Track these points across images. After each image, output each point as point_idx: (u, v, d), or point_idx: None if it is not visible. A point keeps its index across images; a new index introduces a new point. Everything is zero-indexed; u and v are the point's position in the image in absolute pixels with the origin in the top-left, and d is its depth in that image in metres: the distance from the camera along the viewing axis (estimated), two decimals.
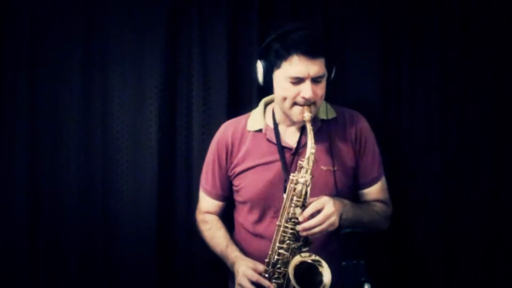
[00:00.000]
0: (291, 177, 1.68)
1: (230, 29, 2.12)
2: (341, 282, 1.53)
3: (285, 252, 1.67)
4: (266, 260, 1.69)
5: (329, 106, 1.83)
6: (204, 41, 2.13)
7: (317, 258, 1.61)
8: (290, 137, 1.82)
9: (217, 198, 1.95)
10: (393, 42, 2.09)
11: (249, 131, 1.87)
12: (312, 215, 1.62)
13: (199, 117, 2.15)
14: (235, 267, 1.74)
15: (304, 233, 1.63)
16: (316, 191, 1.70)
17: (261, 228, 1.82)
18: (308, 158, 1.65)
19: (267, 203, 1.79)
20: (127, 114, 2.16)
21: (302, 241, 1.66)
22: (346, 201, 1.71)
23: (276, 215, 1.72)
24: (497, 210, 2.07)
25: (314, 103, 1.70)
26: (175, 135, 2.17)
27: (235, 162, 1.86)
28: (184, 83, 2.16)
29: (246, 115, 1.93)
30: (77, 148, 2.17)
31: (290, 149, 1.80)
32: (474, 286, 2.07)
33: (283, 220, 1.68)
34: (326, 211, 1.61)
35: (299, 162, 1.68)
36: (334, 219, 1.61)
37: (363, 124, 1.85)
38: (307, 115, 1.68)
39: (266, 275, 1.68)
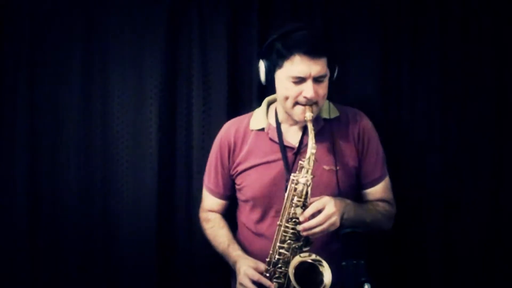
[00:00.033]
0: (291, 177, 1.68)
1: (230, 29, 2.12)
2: (341, 282, 1.53)
3: (286, 252, 1.67)
4: (267, 259, 1.69)
5: (332, 105, 1.83)
6: (204, 41, 2.13)
7: (318, 257, 1.61)
8: (292, 137, 1.82)
9: (220, 196, 1.95)
10: (393, 42, 2.09)
11: (252, 130, 1.87)
12: (313, 215, 1.61)
13: (199, 117, 2.15)
14: (237, 266, 1.74)
15: (305, 233, 1.63)
16: (318, 191, 1.70)
17: (263, 227, 1.82)
18: (309, 158, 1.65)
19: (268, 202, 1.79)
20: (127, 114, 2.16)
21: (302, 241, 1.66)
22: (348, 201, 1.70)
23: (277, 214, 1.72)
24: (497, 210, 2.07)
25: (316, 103, 1.70)
26: (175, 135, 2.17)
27: (237, 161, 1.86)
28: (184, 83, 2.16)
29: (249, 114, 1.93)
30: (77, 148, 2.17)
31: (292, 148, 1.80)
32: (474, 286, 2.07)
33: (284, 220, 1.68)
34: (327, 211, 1.61)
35: (300, 162, 1.68)
36: (335, 219, 1.61)
37: (366, 123, 1.84)
38: (309, 115, 1.68)
39: (267, 275, 1.68)
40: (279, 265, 1.67)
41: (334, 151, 1.77)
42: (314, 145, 1.65)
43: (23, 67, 2.15)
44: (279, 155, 1.80)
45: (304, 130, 1.78)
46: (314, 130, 1.73)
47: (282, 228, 1.68)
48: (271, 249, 1.69)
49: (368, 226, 1.74)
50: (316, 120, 1.76)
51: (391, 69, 2.10)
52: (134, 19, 2.14)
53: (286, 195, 1.68)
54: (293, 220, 1.66)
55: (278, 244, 1.68)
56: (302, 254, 1.63)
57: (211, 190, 1.96)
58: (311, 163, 1.65)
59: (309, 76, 1.66)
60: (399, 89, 2.11)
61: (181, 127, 2.17)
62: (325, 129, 1.80)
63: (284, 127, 1.83)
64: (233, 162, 1.87)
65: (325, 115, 1.81)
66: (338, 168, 1.76)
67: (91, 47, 2.16)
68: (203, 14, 2.13)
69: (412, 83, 2.10)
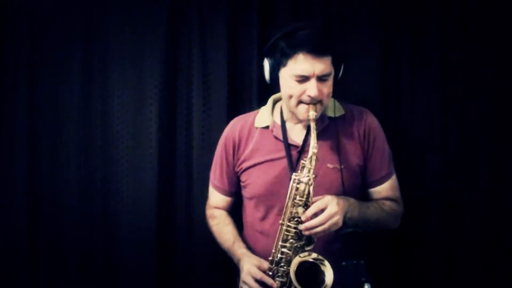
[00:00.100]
0: (293, 176, 1.68)
1: (230, 29, 2.12)
2: (341, 282, 1.53)
3: (288, 251, 1.67)
4: (270, 258, 1.69)
5: (337, 103, 1.82)
6: (204, 41, 2.13)
7: (320, 257, 1.61)
8: (297, 135, 1.81)
9: (225, 193, 1.96)
10: (393, 42, 2.09)
11: (257, 128, 1.87)
12: (316, 214, 1.61)
13: (199, 117, 2.15)
14: (241, 264, 1.74)
15: (307, 232, 1.63)
16: (323, 189, 1.69)
17: (266, 225, 1.81)
18: (311, 157, 1.65)
19: (272, 200, 1.79)
20: (127, 114, 2.17)
21: (305, 240, 1.66)
22: (352, 200, 1.70)
23: (281, 212, 1.71)
24: (497, 210, 2.07)
25: (320, 101, 1.70)
26: (175, 135, 2.17)
27: (242, 158, 1.86)
28: (184, 83, 2.16)
29: (255, 111, 1.93)
30: (77, 148, 2.17)
31: (296, 146, 1.80)
32: (474, 286, 2.07)
33: (286, 219, 1.67)
34: (329, 210, 1.60)
35: (302, 161, 1.68)
36: (337, 218, 1.60)
37: (372, 121, 1.83)
38: (312, 114, 1.68)
39: (270, 273, 1.68)
40: (282, 264, 1.67)
41: (338, 149, 1.76)
42: (316, 144, 1.65)
43: (23, 67, 2.15)
44: (283, 153, 1.80)
45: (309, 128, 1.77)
46: (319, 128, 1.74)
47: (284, 227, 1.68)
48: (274, 248, 1.69)
49: (373, 225, 1.74)
50: (321, 118, 1.76)
51: (391, 69, 2.10)
52: (134, 19, 2.14)
53: (288, 194, 1.68)
54: (295, 219, 1.66)
55: (280, 243, 1.68)
56: (301, 254, 1.63)
57: (217, 187, 1.96)
58: (313, 163, 1.65)
59: (313, 75, 1.66)
60: (399, 89, 2.11)
61: (181, 127, 2.17)
62: (330, 128, 1.80)
63: (289, 125, 1.83)
64: (238, 159, 1.88)
65: (330, 113, 1.81)
66: (342, 166, 1.76)
67: (91, 47, 2.16)
68: (203, 14, 2.13)
69: (412, 83, 2.09)
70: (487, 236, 2.07)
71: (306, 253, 1.63)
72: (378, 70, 2.09)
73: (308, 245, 1.66)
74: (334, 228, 1.61)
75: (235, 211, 1.97)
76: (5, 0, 2.14)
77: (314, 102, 1.69)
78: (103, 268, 2.18)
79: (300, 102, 1.71)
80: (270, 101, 1.90)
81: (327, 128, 1.80)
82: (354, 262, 1.43)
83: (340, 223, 1.62)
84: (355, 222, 1.65)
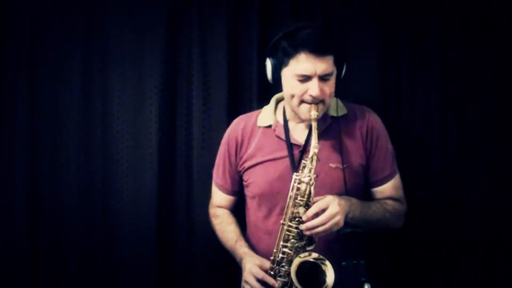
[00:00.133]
0: (294, 176, 1.68)
1: (230, 29, 2.12)
2: (341, 282, 1.53)
3: (289, 251, 1.66)
4: (271, 258, 1.69)
5: (340, 103, 1.82)
6: (204, 41, 2.13)
7: (321, 256, 1.60)
8: (299, 134, 1.81)
9: (228, 192, 1.96)
10: (393, 42, 2.09)
11: (259, 127, 1.87)
12: (317, 214, 1.61)
13: (199, 117, 2.15)
14: (243, 263, 1.74)
15: (308, 232, 1.62)
16: (325, 189, 1.69)
17: (269, 225, 1.81)
18: (312, 157, 1.65)
19: (274, 199, 1.79)
20: (127, 114, 2.17)
21: (306, 240, 1.66)
22: (354, 200, 1.69)
23: (283, 212, 1.71)
24: (497, 210, 2.07)
25: (322, 101, 1.70)
26: (175, 135, 2.17)
27: (244, 157, 1.86)
28: (184, 83, 2.16)
29: (258, 111, 1.93)
30: (77, 148, 2.17)
31: (298, 146, 1.79)
32: (474, 286, 2.07)
33: (287, 219, 1.67)
34: (330, 210, 1.60)
35: (303, 161, 1.68)
36: (338, 218, 1.60)
37: (375, 121, 1.83)
38: (314, 114, 1.68)
39: (272, 273, 1.68)
40: (283, 264, 1.67)
41: (341, 149, 1.76)
42: (317, 144, 1.65)
43: (23, 67, 2.15)
44: (285, 152, 1.80)
45: (311, 128, 1.77)
46: (321, 128, 1.74)
47: (286, 227, 1.68)
48: (275, 247, 1.69)
49: (376, 225, 1.73)
50: (323, 118, 1.76)
51: (391, 69, 2.10)
52: (134, 19, 2.14)
53: (289, 194, 1.68)
54: (296, 219, 1.66)
55: (281, 243, 1.68)
56: (302, 255, 1.63)
57: (219, 186, 1.96)
58: (314, 163, 1.65)
59: (315, 74, 1.66)
60: (399, 89, 2.11)
61: (181, 127, 2.17)
62: (332, 127, 1.79)
63: (291, 125, 1.83)
64: (240, 158, 1.88)
65: (332, 113, 1.80)
66: (345, 166, 1.75)
67: (91, 47, 2.16)
68: (203, 14, 2.13)
69: (412, 83, 2.09)
70: (487, 236, 2.07)
71: (307, 253, 1.63)
72: (378, 70, 2.09)
73: (309, 245, 1.65)
74: (335, 228, 1.61)
75: (239, 210, 1.97)
76: (5, 0, 2.14)
77: (316, 101, 1.69)
78: (103, 268, 2.18)
79: (302, 101, 1.71)
80: (273, 100, 1.90)
81: (330, 128, 1.79)
82: (354, 262, 1.43)
83: (342, 223, 1.61)
84: (357, 222, 1.64)
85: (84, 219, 2.18)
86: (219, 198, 1.98)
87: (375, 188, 1.83)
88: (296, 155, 1.79)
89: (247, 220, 1.92)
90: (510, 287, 2.05)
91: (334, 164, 1.76)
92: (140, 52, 2.15)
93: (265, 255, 1.72)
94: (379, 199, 1.82)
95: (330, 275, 1.57)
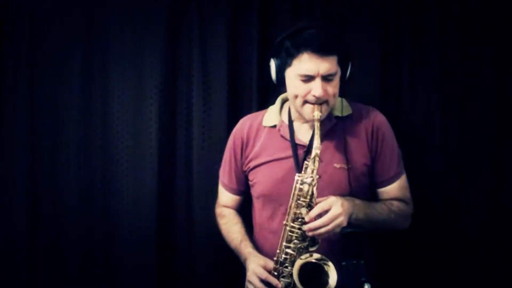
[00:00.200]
0: (296, 177, 1.67)
1: (230, 29, 2.12)
2: (341, 282, 1.53)
3: (292, 252, 1.66)
4: (275, 258, 1.69)
5: (345, 103, 1.82)
6: (204, 41, 2.13)
7: (324, 257, 1.60)
8: (303, 135, 1.81)
9: (234, 192, 1.96)
10: (393, 42, 2.09)
11: (265, 127, 1.87)
12: (320, 215, 1.61)
13: (199, 117, 2.15)
14: (247, 263, 1.75)
15: (310, 233, 1.62)
16: (329, 189, 1.69)
17: (274, 225, 1.80)
18: (314, 158, 1.64)
19: (278, 199, 1.78)
20: (127, 114, 2.17)
21: (308, 241, 1.65)
22: (358, 201, 1.69)
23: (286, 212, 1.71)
24: (497, 210, 2.07)
25: (326, 101, 1.69)
26: (175, 135, 2.17)
27: (250, 156, 1.86)
28: (184, 83, 2.16)
29: (264, 110, 1.93)
30: (77, 148, 2.17)
31: (303, 146, 1.79)
32: (474, 286, 2.07)
33: (290, 220, 1.67)
34: (333, 211, 1.60)
35: (305, 162, 1.68)
36: (341, 219, 1.59)
37: (381, 121, 1.82)
38: (317, 114, 1.67)
39: (276, 273, 1.68)
40: (286, 265, 1.67)
41: (345, 149, 1.76)
42: (319, 145, 1.64)
43: (23, 67, 2.15)
44: (290, 152, 1.79)
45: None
46: (326, 128, 1.74)
47: (288, 228, 1.67)
48: (278, 248, 1.69)
49: (380, 226, 1.73)
50: (328, 118, 1.76)
51: (391, 69, 2.10)
52: (134, 19, 2.14)
53: (291, 195, 1.68)
54: (299, 220, 1.65)
55: (284, 243, 1.67)
56: (303, 256, 1.62)
57: (226, 185, 1.96)
58: (316, 163, 1.64)
59: (318, 74, 1.65)
60: (399, 89, 2.11)
61: (181, 127, 2.17)
62: (337, 127, 1.79)
63: (296, 125, 1.83)
64: (246, 158, 1.88)
65: (337, 113, 1.80)
66: (349, 166, 1.75)
67: (91, 47, 2.16)
68: (203, 14, 2.13)
69: (412, 83, 2.09)
70: (487, 236, 2.07)
71: (308, 255, 1.62)
72: (378, 70, 2.09)
73: (312, 246, 1.65)
74: (338, 229, 1.60)
75: (246, 211, 1.97)
76: (5, 0, 2.14)
77: (320, 102, 1.68)
78: (103, 268, 2.18)
79: (305, 102, 1.70)
80: (278, 100, 1.90)
81: (334, 128, 1.79)
82: (354, 262, 1.43)
83: (345, 224, 1.61)
84: (362, 223, 1.64)
85: (84, 219, 2.18)
86: (225, 198, 1.98)
87: (381, 189, 1.82)
88: (300, 155, 1.78)
89: (253, 220, 1.92)
90: (510, 287, 2.05)
91: (338, 164, 1.75)
92: (140, 52, 2.15)
93: (270, 255, 1.72)
94: (384, 200, 1.81)
95: (332, 276, 1.57)
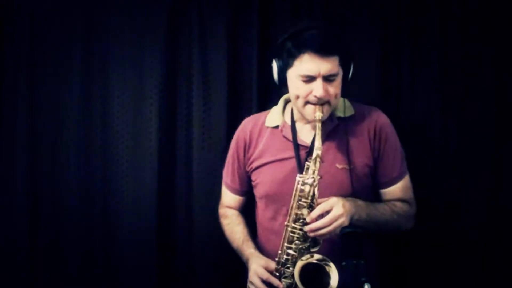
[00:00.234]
0: (297, 178, 1.67)
1: (230, 29, 2.12)
2: (341, 282, 1.53)
3: (293, 252, 1.66)
4: (276, 259, 1.69)
5: (347, 103, 1.81)
6: (204, 41, 2.13)
7: (325, 258, 1.60)
8: (306, 135, 1.81)
9: (237, 192, 1.96)
10: (393, 42, 2.09)
11: (267, 127, 1.87)
12: (322, 216, 1.60)
13: (199, 117, 2.15)
14: (249, 264, 1.75)
15: (312, 234, 1.62)
16: (332, 190, 1.69)
17: (275, 225, 1.80)
18: (315, 159, 1.63)
19: (280, 200, 1.78)
20: (127, 114, 2.17)
21: (310, 242, 1.65)
22: (360, 202, 1.68)
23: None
24: (497, 210, 2.06)
25: (328, 102, 1.69)
26: (175, 135, 2.17)
27: (252, 157, 1.86)
28: (184, 83, 2.16)
29: (268, 111, 1.93)
30: (77, 148, 2.17)
31: (305, 147, 1.79)
32: (474, 286, 2.07)
33: (291, 220, 1.67)
34: (334, 212, 1.59)
35: (306, 163, 1.67)
36: (342, 220, 1.59)
37: (383, 121, 1.81)
38: (318, 115, 1.67)
39: (277, 274, 1.68)
40: (288, 265, 1.67)
41: (347, 150, 1.76)
42: (320, 146, 1.64)
43: (23, 67, 2.15)
44: (292, 153, 1.79)
45: None
46: (328, 129, 1.74)
47: (290, 229, 1.67)
48: (280, 249, 1.68)
49: (383, 227, 1.73)
50: (330, 119, 1.76)
51: (391, 69, 2.10)
52: (134, 19, 2.14)
53: (292, 195, 1.67)
54: (301, 220, 1.65)
55: (285, 244, 1.67)
56: (304, 257, 1.62)
57: (229, 186, 1.97)
58: (317, 164, 1.63)
59: (319, 75, 1.65)
60: (399, 89, 2.10)
61: (181, 127, 2.17)
62: (339, 128, 1.79)
63: (298, 126, 1.83)
64: (248, 158, 1.88)
65: (339, 113, 1.79)
66: (351, 167, 1.74)
67: (91, 47, 2.16)
68: (203, 14, 2.13)
69: (412, 83, 2.09)
70: (487, 236, 2.07)
71: (308, 256, 1.62)
72: (378, 70, 2.09)
73: (313, 247, 1.65)
74: (339, 230, 1.59)
75: (250, 211, 1.97)
76: (5, 0, 2.14)
77: (321, 102, 1.68)
78: (103, 268, 2.18)
79: (307, 102, 1.70)
80: (281, 101, 1.90)
81: (336, 129, 1.79)
82: (354, 262, 1.43)
83: (346, 225, 1.60)
84: (364, 224, 1.64)
85: (84, 219, 2.18)
86: (228, 199, 1.98)
87: (384, 190, 1.81)
88: (303, 156, 1.77)
89: (257, 220, 1.92)
90: (510, 287, 2.05)
91: (340, 165, 1.75)
92: (140, 52, 2.15)
93: (273, 255, 1.72)
94: (387, 201, 1.80)
95: (334, 277, 1.57)
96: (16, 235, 2.16)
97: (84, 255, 2.18)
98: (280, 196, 1.77)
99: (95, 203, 2.18)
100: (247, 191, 1.95)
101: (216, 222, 2.09)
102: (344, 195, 1.67)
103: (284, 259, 1.67)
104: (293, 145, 1.80)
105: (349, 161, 1.75)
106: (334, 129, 1.78)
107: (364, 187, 1.77)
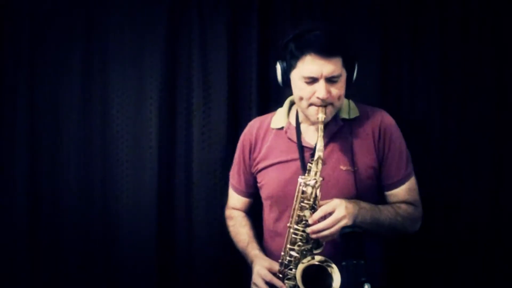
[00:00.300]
0: (299, 179, 1.66)
1: (230, 29, 2.12)
2: (341, 282, 1.53)
3: (296, 254, 1.65)
4: (279, 260, 1.69)
5: (352, 105, 1.81)
6: (204, 41, 2.13)
7: (327, 259, 1.59)
8: (311, 137, 1.80)
9: (243, 194, 1.96)
10: (393, 42, 2.09)
11: (273, 129, 1.87)
12: (325, 217, 1.60)
13: (199, 117, 2.15)
14: (253, 265, 1.75)
15: (314, 236, 1.62)
16: (336, 192, 1.69)
17: (280, 227, 1.80)
18: (317, 160, 1.63)
19: (285, 202, 1.77)
20: (127, 114, 2.16)
21: (312, 244, 1.65)
22: (363, 204, 1.67)
23: None
24: (497, 210, 2.07)
25: (331, 103, 1.69)
26: (175, 135, 2.17)
27: (258, 158, 1.86)
28: (184, 83, 2.16)
29: (273, 112, 1.93)
30: (77, 148, 2.17)
31: (310, 148, 1.77)
32: (474, 286, 2.07)
33: (294, 222, 1.66)
34: (336, 214, 1.59)
35: (308, 164, 1.67)
36: (344, 222, 1.58)
37: (389, 123, 1.80)
38: (321, 116, 1.67)
39: (281, 275, 1.68)
40: (291, 267, 1.67)
41: (351, 152, 1.76)
42: (322, 147, 1.63)
43: (23, 67, 2.15)
44: (296, 154, 1.79)
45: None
46: (332, 130, 1.74)
47: (292, 230, 1.66)
48: (282, 250, 1.68)
49: (387, 229, 1.72)
50: (334, 120, 1.76)
51: (391, 69, 2.10)
52: (134, 19, 2.14)
53: (295, 197, 1.67)
54: (303, 222, 1.65)
55: (288, 246, 1.67)
56: (304, 260, 1.62)
57: (235, 187, 1.97)
58: (319, 166, 1.63)
59: (321, 76, 1.65)
60: (399, 89, 2.11)
61: (181, 127, 2.17)
62: (343, 129, 1.78)
63: (303, 127, 1.82)
64: (254, 160, 1.88)
65: (344, 115, 1.79)
66: (356, 168, 1.74)
67: (91, 47, 2.16)
68: (203, 14, 2.13)
69: (412, 83, 2.09)
70: (487, 236, 2.07)
71: (309, 258, 1.62)
72: (378, 70, 2.09)
73: (316, 249, 1.65)
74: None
75: (257, 213, 1.96)
76: (5, 0, 2.14)
77: (325, 104, 1.67)
78: (103, 268, 2.18)
79: (311, 104, 1.70)
80: (286, 102, 1.90)
81: (341, 130, 1.78)
82: (354, 262, 1.43)
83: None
84: (368, 226, 1.63)
85: (84, 219, 2.18)
86: (235, 200, 1.99)
87: (389, 192, 1.80)
88: (307, 157, 1.76)
89: (263, 222, 1.92)
90: (510, 287, 2.05)
91: (344, 167, 1.74)
92: (140, 52, 2.15)
93: (278, 256, 1.71)
94: (393, 203, 1.79)
95: (336, 278, 1.56)
96: (16, 235, 2.16)
97: (84, 255, 2.18)
98: (285, 198, 1.77)
99: (95, 203, 2.18)
100: (253, 192, 1.95)
101: (216, 222, 2.10)
102: (348, 197, 1.67)
103: (287, 260, 1.67)
104: (298, 146, 1.79)
105: (354, 163, 1.74)
106: (339, 130, 1.78)
107: (368, 189, 1.76)
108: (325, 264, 1.59)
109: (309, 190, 1.64)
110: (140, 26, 2.14)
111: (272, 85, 2.09)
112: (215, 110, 2.14)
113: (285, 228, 1.72)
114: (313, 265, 1.60)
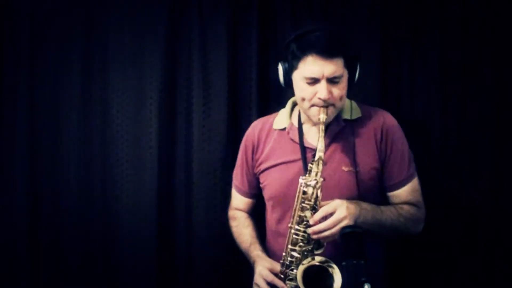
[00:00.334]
0: (300, 180, 1.66)
1: (230, 29, 2.12)
2: (341, 282, 1.53)
3: (298, 255, 1.65)
4: (281, 261, 1.69)
5: (355, 105, 1.81)
6: (204, 41, 2.13)
7: (328, 260, 1.59)
8: (313, 138, 1.79)
9: (245, 195, 1.96)
10: (393, 42, 2.09)
11: (275, 130, 1.87)
12: (326, 218, 1.60)
13: (199, 117, 2.15)
14: (255, 266, 1.75)
15: (315, 236, 1.62)
16: (338, 192, 1.68)
17: (282, 227, 1.80)
18: (318, 161, 1.63)
19: (287, 202, 1.77)
20: (127, 114, 2.16)
21: (313, 244, 1.65)
22: (365, 204, 1.67)
23: None
24: (497, 210, 2.07)
25: (333, 104, 1.69)
26: (175, 135, 2.17)
27: (260, 159, 1.86)
28: (184, 83, 2.16)
29: (276, 113, 1.93)
30: (77, 148, 2.17)
31: (312, 149, 1.77)
32: (474, 286, 2.07)
33: (295, 222, 1.66)
34: (337, 215, 1.59)
35: (309, 165, 1.67)
36: (345, 223, 1.58)
37: (390, 123, 1.80)
38: (322, 117, 1.66)
39: (282, 276, 1.68)
40: (292, 267, 1.66)
41: (354, 152, 1.75)
42: (322, 148, 1.63)
43: (23, 67, 2.15)
44: (298, 155, 1.78)
45: (325, 131, 1.76)
46: (334, 131, 1.74)
47: (293, 231, 1.66)
48: (284, 251, 1.68)
49: (389, 230, 1.72)
50: (336, 121, 1.76)
51: (391, 69, 2.10)
52: (134, 19, 2.14)
53: (296, 197, 1.67)
54: (304, 223, 1.65)
55: (290, 246, 1.67)
56: (305, 261, 1.61)
57: (238, 188, 1.97)
58: (320, 166, 1.62)
59: (322, 77, 1.65)
60: (399, 89, 2.11)
61: (181, 127, 2.17)
62: (345, 130, 1.78)
63: (305, 128, 1.82)
64: (256, 161, 1.88)
65: (346, 115, 1.79)
66: (358, 169, 1.74)
67: (91, 47, 2.16)
68: (203, 14, 2.13)
69: (412, 83, 2.09)
70: (487, 236, 2.07)
71: (310, 259, 1.62)
72: (378, 70, 2.09)
73: (317, 249, 1.64)
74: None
75: (260, 214, 1.96)
76: (5, 0, 2.14)
77: (326, 104, 1.67)
78: (103, 268, 2.18)
79: (312, 104, 1.70)
80: (289, 103, 1.90)
81: (343, 131, 1.78)
82: (354, 262, 1.42)
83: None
84: (370, 227, 1.63)
85: (84, 219, 2.18)
86: (238, 201, 1.99)
87: (391, 193, 1.80)
88: (309, 158, 1.76)
89: (266, 222, 1.92)
90: (510, 287, 2.05)
91: (346, 167, 1.74)
92: (140, 52, 2.15)
93: (280, 257, 1.71)
94: (395, 204, 1.79)
95: (337, 279, 1.56)
96: (16, 235, 2.16)
97: (84, 255, 2.18)
98: (286, 198, 1.77)
99: (95, 203, 2.18)
100: (256, 193, 1.95)
101: (216, 222, 2.10)
102: (350, 198, 1.67)
103: (288, 261, 1.67)
104: (300, 147, 1.79)
105: (355, 163, 1.74)
106: (341, 131, 1.77)
107: (370, 190, 1.76)
108: (325, 264, 1.59)
109: (310, 190, 1.64)
110: (140, 26, 2.14)
111: (272, 85, 2.09)
112: (215, 110, 2.14)
113: (287, 228, 1.72)
114: (314, 265, 1.60)
